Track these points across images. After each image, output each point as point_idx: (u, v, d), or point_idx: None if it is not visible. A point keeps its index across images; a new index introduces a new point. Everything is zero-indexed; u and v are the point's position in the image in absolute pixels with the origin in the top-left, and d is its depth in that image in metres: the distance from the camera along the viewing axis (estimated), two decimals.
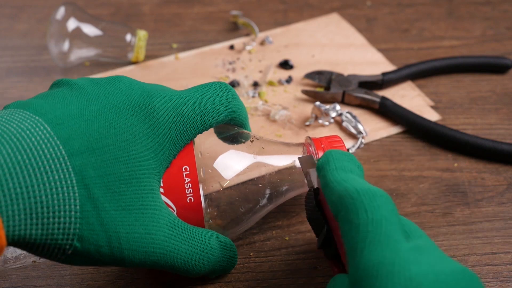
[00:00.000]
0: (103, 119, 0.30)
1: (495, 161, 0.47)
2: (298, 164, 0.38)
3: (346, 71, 0.57)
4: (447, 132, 0.48)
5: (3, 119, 0.28)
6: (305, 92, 0.53)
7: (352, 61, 0.59)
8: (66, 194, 0.27)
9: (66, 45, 0.56)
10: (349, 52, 0.60)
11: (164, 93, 0.33)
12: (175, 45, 0.63)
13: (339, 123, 0.51)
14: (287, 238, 0.41)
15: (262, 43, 0.62)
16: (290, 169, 0.38)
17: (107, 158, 0.29)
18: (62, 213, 0.27)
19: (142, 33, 0.58)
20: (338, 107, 0.50)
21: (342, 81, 0.54)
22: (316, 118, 0.51)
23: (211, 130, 0.37)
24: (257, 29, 0.63)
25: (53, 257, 0.29)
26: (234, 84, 0.55)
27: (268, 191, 0.37)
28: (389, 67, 0.58)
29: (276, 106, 0.53)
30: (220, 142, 0.37)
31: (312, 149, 0.39)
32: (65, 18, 0.56)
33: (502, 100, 0.54)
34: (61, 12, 0.55)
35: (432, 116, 0.52)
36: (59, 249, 0.28)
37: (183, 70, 0.58)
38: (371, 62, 0.59)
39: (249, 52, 0.60)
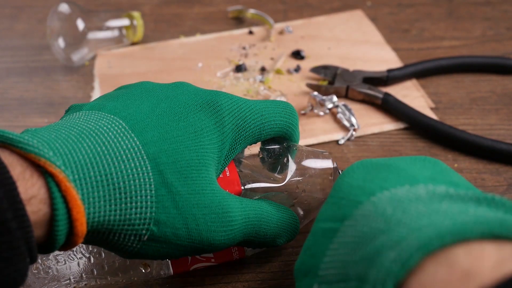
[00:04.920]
0: (173, 113, 0.32)
1: (495, 162, 0.47)
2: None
3: (356, 66, 0.57)
4: (447, 130, 0.48)
5: (81, 119, 0.30)
6: (309, 85, 0.54)
7: (364, 57, 0.59)
8: (142, 180, 0.29)
9: (72, 43, 0.57)
10: (364, 49, 0.60)
11: (230, 96, 0.35)
12: None
13: (334, 115, 0.52)
14: None
15: (281, 32, 0.63)
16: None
17: (178, 147, 0.31)
18: (138, 197, 0.28)
19: (136, 14, 0.61)
20: (335, 98, 0.51)
21: (347, 76, 0.54)
22: (312, 108, 0.52)
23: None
24: (272, 20, 0.63)
25: (128, 246, 0.29)
26: (242, 68, 0.57)
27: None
28: (399, 65, 0.58)
29: (276, 92, 0.54)
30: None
31: None
32: (70, 15, 0.56)
33: (502, 100, 0.54)
34: (65, 8, 0.56)
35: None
36: (136, 235, 0.29)
37: (199, 51, 0.61)
38: (383, 60, 0.59)
39: (270, 40, 0.62)
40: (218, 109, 0.33)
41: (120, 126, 0.30)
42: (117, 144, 0.29)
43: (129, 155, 0.29)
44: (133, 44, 0.63)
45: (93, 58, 0.60)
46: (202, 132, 0.32)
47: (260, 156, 0.38)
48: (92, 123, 0.30)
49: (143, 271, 0.36)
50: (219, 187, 0.32)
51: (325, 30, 0.64)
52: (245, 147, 0.36)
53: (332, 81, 0.54)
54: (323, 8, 0.68)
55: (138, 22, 0.61)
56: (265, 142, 0.38)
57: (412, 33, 0.63)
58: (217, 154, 0.33)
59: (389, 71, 0.55)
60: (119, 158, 0.28)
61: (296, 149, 0.38)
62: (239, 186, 0.35)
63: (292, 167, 0.37)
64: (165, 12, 0.68)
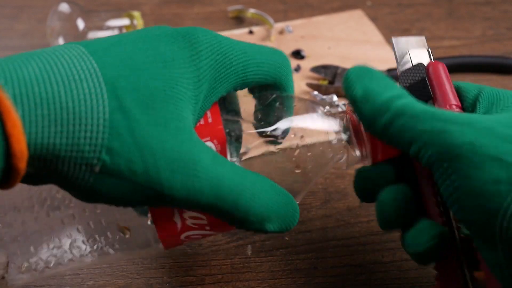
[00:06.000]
0: (141, 42, 0.29)
1: None
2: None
3: None
4: None
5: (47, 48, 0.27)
6: (309, 85, 0.54)
7: (364, 57, 0.59)
8: (94, 102, 0.26)
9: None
10: (364, 49, 0.61)
11: (210, 31, 0.31)
12: None
13: None
14: (287, 238, 0.41)
15: (282, 32, 0.63)
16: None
17: (141, 74, 0.27)
18: (89, 120, 0.25)
19: (136, 13, 0.61)
20: (335, 98, 0.51)
21: None
22: None
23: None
24: (272, 20, 0.64)
25: (80, 179, 0.26)
26: None
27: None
28: None
29: None
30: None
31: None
32: (71, 15, 0.56)
33: None
34: (65, 8, 0.56)
35: None
36: (87, 165, 0.26)
37: None
38: (383, 59, 0.59)
39: (270, 40, 0.62)
40: (194, 41, 0.29)
41: (78, 50, 0.27)
42: (71, 64, 0.26)
43: (82, 76, 0.26)
44: None
45: None
46: (173, 63, 0.28)
47: (255, 111, 0.33)
48: (50, 49, 0.27)
49: (124, 236, 0.32)
50: (189, 129, 0.28)
51: (325, 30, 0.64)
52: (230, 89, 0.31)
53: (332, 80, 0.55)
54: (323, 8, 0.68)
55: (138, 22, 0.61)
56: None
57: (412, 33, 0.63)
58: (192, 91, 0.29)
59: (389, 70, 0.55)
60: (71, 77, 0.25)
61: (294, 99, 0.34)
62: (222, 135, 0.30)
63: (290, 122, 0.32)
64: (165, 12, 0.68)
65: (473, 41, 0.62)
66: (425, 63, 0.33)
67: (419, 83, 0.32)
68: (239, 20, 0.66)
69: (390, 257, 0.39)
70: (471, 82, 0.33)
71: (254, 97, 0.34)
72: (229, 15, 0.67)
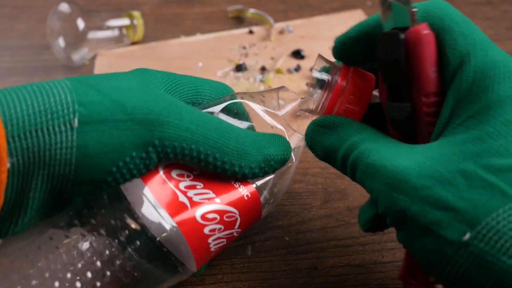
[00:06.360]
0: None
1: None
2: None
3: None
4: None
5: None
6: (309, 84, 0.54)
7: None
8: (57, 85, 0.27)
9: (72, 42, 0.57)
10: None
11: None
12: None
13: None
14: (287, 238, 0.41)
15: (282, 32, 0.63)
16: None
17: (103, 77, 0.30)
18: (54, 90, 0.27)
19: (136, 13, 0.61)
20: None
21: None
22: None
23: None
24: (272, 20, 0.64)
25: (64, 145, 0.26)
26: (242, 67, 0.57)
27: None
28: None
29: None
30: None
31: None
32: (71, 15, 0.56)
33: None
34: (65, 8, 0.56)
35: None
36: (65, 124, 0.26)
37: (199, 51, 0.61)
38: None
39: (270, 40, 0.62)
40: (144, 74, 0.33)
41: (62, 83, 0.28)
42: (49, 86, 0.27)
43: (50, 83, 0.28)
44: (133, 43, 0.63)
45: (93, 58, 0.60)
46: (132, 81, 0.31)
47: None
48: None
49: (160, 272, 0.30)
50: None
51: (325, 30, 0.64)
52: (188, 98, 0.34)
53: None
54: (323, 8, 0.68)
55: (138, 21, 0.61)
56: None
57: None
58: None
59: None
60: (41, 87, 0.27)
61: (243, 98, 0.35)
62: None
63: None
64: (165, 11, 0.68)
65: None
66: (403, 33, 0.26)
67: (393, 61, 0.27)
68: (239, 20, 0.66)
69: (390, 257, 0.39)
70: (464, 28, 0.27)
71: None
72: (229, 15, 0.67)
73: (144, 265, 0.29)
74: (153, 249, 0.29)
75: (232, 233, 0.32)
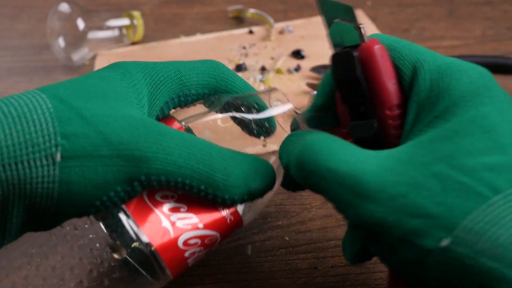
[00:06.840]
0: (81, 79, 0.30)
1: None
2: None
3: None
4: None
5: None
6: (309, 85, 0.54)
7: None
8: (35, 103, 0.26)
9: (72, 42, 0.57)
10: None
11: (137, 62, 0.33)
12: None
13: None
14: (287, 238, 0.41)
15: (282, 32, 0.63)
16: None
17: (81, 84, 0.29)
18: (34, 116, 0.26)
19: (136, 13, 0.61)
20: None
21: None
22: None
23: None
24: (272, 20, 0.64)
25: (45, 179, 0.25)
26: (242, 67, 0.57)
27: None
28: None
29: None
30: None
31: None
32: (71, 15, 0.56)
33: None
34: (65, 8, 0.56)
35: None
36: (47, 157, 0.25)
37: (199, 51, 0.61)
38: None
39: (270, 40, 0.62)
40: (122, 67, 0.33)
41: (36, 95, 0.27)
42: (28, 109, 0.26)
43: (23, 95, 0.27)
44: (133, 43, 0.63)
45: (93, 58, 0.60)
46: (109, 78, 0.31)
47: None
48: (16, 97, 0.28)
49: (116, 257, 0.30)
50: (138, 115, 0.29)
51: (325, 30, 0.64)
52: (172, 95, 0.34)
53: None
54: None
55: (138, 21, 0.61)
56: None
57: (412, 32, 0.63)
58: (133, 93, 0.30)
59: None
60: (21, 111, 0.26)
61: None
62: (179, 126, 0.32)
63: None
64: (165, 11, 0.68)
65: (473, 41, 0.62)
66: (355, 51, 0.27)
67: (350, 80, 0.27)
68: (239, 20, 0.66)
69: None
70: (406, 43, 0.28)
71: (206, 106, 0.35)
72: (229, 15, 0.67)
73: (119, 280, 0.30)
74: (131, 272, 0.30)
75: (211, 249, 0.33)
